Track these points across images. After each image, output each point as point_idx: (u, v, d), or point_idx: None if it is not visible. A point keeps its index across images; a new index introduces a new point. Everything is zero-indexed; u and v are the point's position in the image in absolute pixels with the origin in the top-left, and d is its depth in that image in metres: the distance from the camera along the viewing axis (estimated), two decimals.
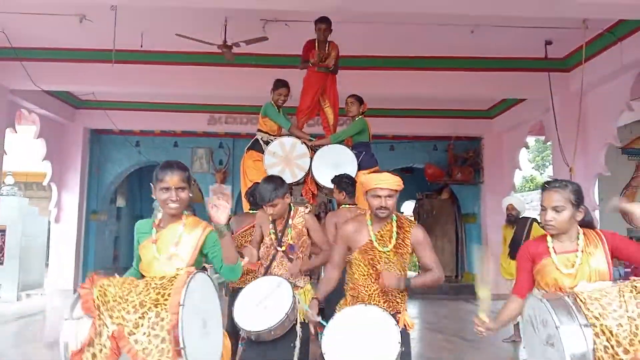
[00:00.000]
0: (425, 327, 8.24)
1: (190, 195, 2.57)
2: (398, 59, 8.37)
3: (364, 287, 2.98)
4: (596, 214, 8.31)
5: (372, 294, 2.97)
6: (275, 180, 3.51)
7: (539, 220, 6.66)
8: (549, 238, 2.58)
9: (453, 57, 8.32)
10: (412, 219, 3.45)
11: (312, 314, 3.00)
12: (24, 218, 10.95)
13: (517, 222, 6.65)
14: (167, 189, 2.49)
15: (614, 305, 2.18)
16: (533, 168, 29.61)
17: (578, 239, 2.52)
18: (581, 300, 2.21)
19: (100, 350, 2.11)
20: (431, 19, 6.60)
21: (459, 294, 11.31)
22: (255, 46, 6.83)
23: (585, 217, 2.57)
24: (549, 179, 2.63)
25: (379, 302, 2.94)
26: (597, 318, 2.15)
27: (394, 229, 2.99)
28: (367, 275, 2.98)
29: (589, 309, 2.17)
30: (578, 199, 2.50)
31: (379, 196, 2.92)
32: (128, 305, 2.16)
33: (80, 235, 11.41)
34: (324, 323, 2.80)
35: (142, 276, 2.50)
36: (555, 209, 2.48)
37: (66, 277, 11.02)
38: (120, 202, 13.79)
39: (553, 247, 2.54)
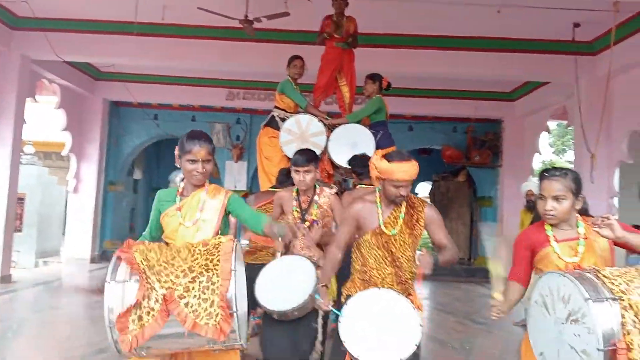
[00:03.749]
0: (436, 309, 8.25)
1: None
2: (421, 37, 8.23)
3: (377, 270, 2.87)
4: (615, 201, 8.20)
5: (386, 277, 2.87)
6: (310, 151, 3.65)
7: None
8: (547, 226, 2.53)
9: (478, 37, 8.16)
10: (428, 200, 3.33)
11: (324, 302, 2.94)
12: (42, 187, 11.11)
13: (536, 208, 6.57)
14: (194, 160, 2.53)
15: (637, 283, 2.12)
16: (553, 152, 29.23)
17: (578, 226, 2.49)
18: (604, 276, 2.15)
19: (148, 313, 2.12)
20: None
21: (472, 277, 11.30)
22: (277, 22, 6.75)
23: (582, 205, 2.53)
24: (547, 167, 2.57)
25: (393, 285, 2.85)
26: (623, 292, 2.08)
27: (403, 210, 2.89)
28: (382, 258, 2.88)
29: (613, 284, 2.11)
30: (578, 188, 2.45)
31: (399, 186, 2.80)
32: (176, 270, 2.18)
33: (97, 206, 11.60)
34: (338, 312, 2.70)
35: (167, 244, 2.52)
36: (556, 198, 2.44)
37: (83, 246, 11.28)
38: (137, 174, 13.92)
39: (554, 236, 2.49)
